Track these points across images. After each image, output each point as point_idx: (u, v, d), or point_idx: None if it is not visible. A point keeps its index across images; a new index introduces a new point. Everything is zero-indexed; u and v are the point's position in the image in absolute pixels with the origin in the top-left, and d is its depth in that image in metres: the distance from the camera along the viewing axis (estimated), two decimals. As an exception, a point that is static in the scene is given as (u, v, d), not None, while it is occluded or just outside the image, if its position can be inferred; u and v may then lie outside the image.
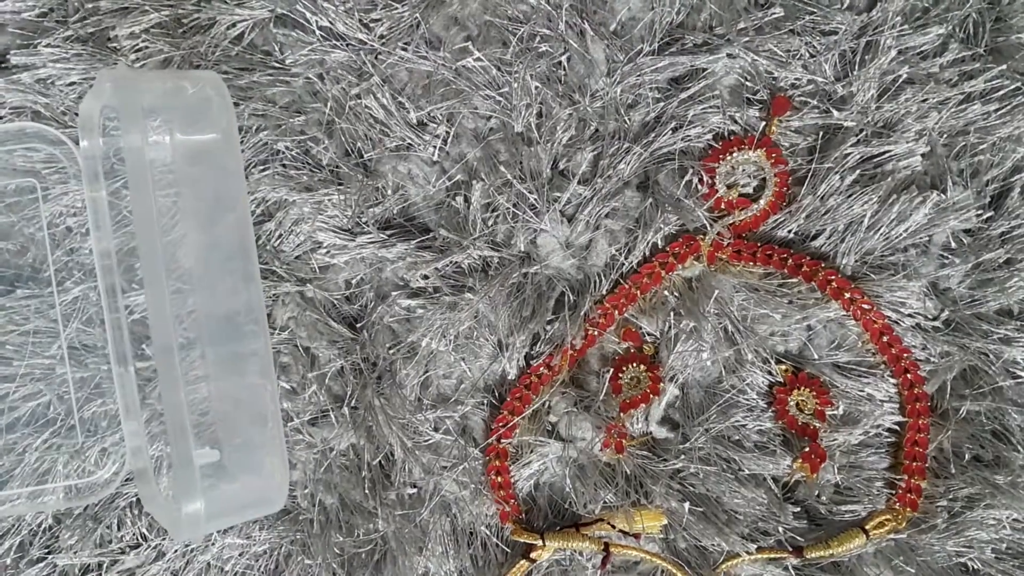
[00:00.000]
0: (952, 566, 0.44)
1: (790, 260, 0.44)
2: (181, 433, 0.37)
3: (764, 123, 0.44)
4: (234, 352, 0.44)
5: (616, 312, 0.45)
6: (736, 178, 0.44)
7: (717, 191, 0.44)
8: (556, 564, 0.46)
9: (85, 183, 0.43)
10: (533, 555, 0.45)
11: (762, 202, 0.44)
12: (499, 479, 0.45)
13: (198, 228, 0.44)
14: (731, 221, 0.44)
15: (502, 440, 0.45)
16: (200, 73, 0.41)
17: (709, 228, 0.44)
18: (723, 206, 0.44)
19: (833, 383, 0.44)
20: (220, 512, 0.39)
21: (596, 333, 0.45)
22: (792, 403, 0.44)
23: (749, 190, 0.45)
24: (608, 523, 0.44)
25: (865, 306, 0.43)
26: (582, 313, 0.44)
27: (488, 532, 0.46)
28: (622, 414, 0.44)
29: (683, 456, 0.45)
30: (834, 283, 0.43)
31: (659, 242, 0.45)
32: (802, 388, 0.44)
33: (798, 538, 0.44)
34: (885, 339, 0.44)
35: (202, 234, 0.44)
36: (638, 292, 0.45)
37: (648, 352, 0.45)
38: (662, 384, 0.45)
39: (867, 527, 0.43)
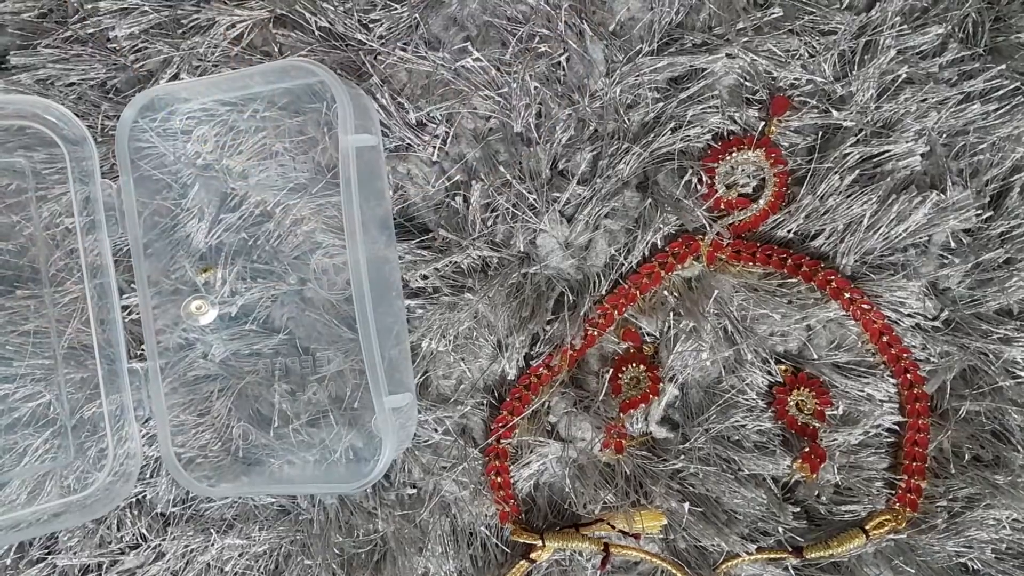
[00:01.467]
0: (952, 566, 0.44)
1: (789, 260, 0.44)
2: (377, 382, 0.39)
3: (763, 123, 0.44)
4: (386, 310, 0.44)
5: (615, 312, 0.45)
6: (735, 178, 0.44)
7: (716, 191, 0.44)
8: (556, 564, 0.46)
9: (97, 175, 0.43)
10: (533, 555, 0.45)
11: (761, 202, 0.44)
12: (499, 479, 0.45)
13: (365, 211, 0.45)
14: (730, 221, 0.44)
15: (502, 440, 0.45)
16: (350, 84, 0.42)
17: (708, 228, 0.44)
18: (722, 206, 0.44)
19: (833, 383, 0.44)
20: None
21: (595, 333, 0.45)
22: (792, 403, 0.44)
23: (748, 190, 0.45)
24: (608, 523, 0.44)
25: (865, 306, 0.43)
26: (581, 313, 0.44)
27: (488, 532, 0.46)
28: (622, 414, 0.44)
29: (683, 456, 0.45)
30: (834, 283, 0.43)
31: (658, 242, 0.45)
32: (802, 388, 0.44)
33: (798, 538, 0.44)
34: (885, 339, 0.44)
35: (368, 215, 0.45)
36: (637, 292, 0.44)
37: (648, 352, 0.45)
38: (662, 384, 0.45)
39: (867, 527, 0.43)
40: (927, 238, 0.43)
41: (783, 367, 0.44)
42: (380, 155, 0.44)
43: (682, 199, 0.44)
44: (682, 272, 0.45)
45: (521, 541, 0.45)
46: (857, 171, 0.43)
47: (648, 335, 0.45)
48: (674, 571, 0.44)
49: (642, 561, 0.45)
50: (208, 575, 0.47)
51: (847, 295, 0.43)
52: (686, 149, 0.44)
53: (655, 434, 0.45)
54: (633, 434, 0.45)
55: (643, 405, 0.44)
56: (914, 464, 0.44)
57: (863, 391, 0.44)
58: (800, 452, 0.44)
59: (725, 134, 0.44)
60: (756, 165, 0.44)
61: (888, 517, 0.44)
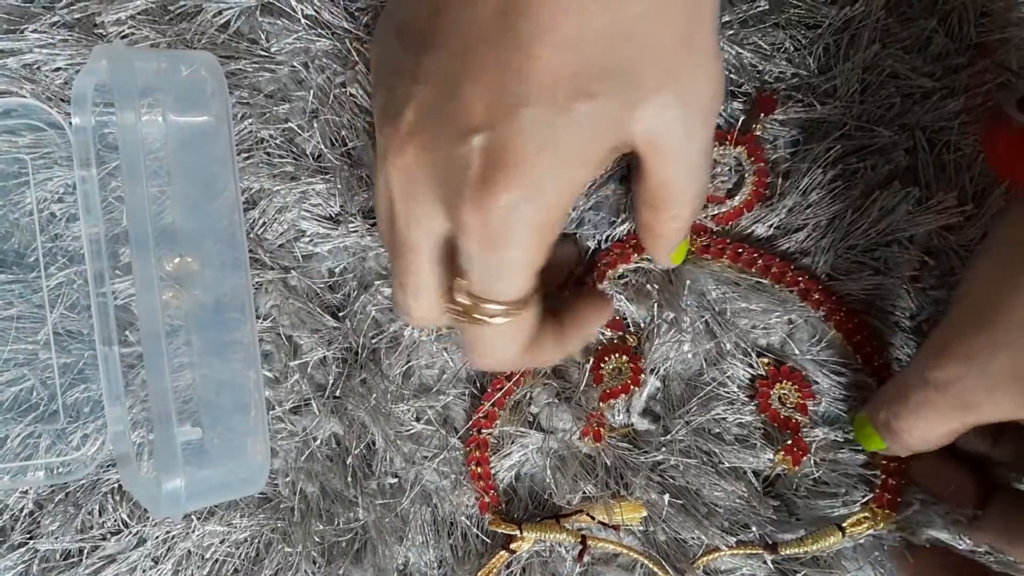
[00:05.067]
0: (931, 562, 0.44)
1: (760, 260, 0.44)
2: (164, 412, 0.37)
3: (747, 120, 0.44)
4: (219, 340, 0.44)
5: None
6: (716, 171, 0.44)
7: None
8: (536, 555, 0.46)
9: (76, 163, 0.44)
10: (513, 546, 0.45)
11: (736, 199, 0.44)
12: (479, 469, 0.45)
13: (187, 213, 0.44)
14: (712, 212, 0.44)
15: (483, 430, 0.45)
16: (196, 54, 0.41)
17: None
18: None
19: (814, 378, 0.44)
20: (200, 492, 0.40)
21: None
22: (775, 396, 0.44)
23: (730, 184, 0.45)
24: (588, 514, 0.44)
25: (832, 306, 0.43)
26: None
27: (468, 522, 0.46)
28: (602, 404, 0.44)
29: (663, 448, 0.45)
30: (802, 284, 0.43)
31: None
32: (784, 381, 0.44)
33: (777, 532, 0.44)
34: (857, 338, 0.43)
35: (191, 219, 0.44)
36: (607, 268, 0.44)
37: (631, 343, 0.45)
38: (643, 375, 0.44)
39: (844, 524, 0.43)
40: (909, 235, 0.43)
41: (765, 360, 0.44)
42: (224, 138, 0.41)
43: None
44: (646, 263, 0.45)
45: (500, 531, 0.45)
46: (840, 165, 0.43)
47: (631, 325, 0.45)
48: (651, 566, 0.44)
49: (621, 554, 0.45)
50: (189, 561, 0.47)
51: (816, 296, 0.43)
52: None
53: (636, 425, 0.45)
54: (614, 424, 0.45)
55: (624, 395, 0.44)
56: (891, 465, 0.43)
57: (844, 387, 0.44)
58: (782, 445, 0.44)
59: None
60: (737, 161, 0.44)
61: (867, 515, 0.44)
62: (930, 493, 0.43)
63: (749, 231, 0.44)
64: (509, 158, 0.29)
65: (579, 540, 0.44)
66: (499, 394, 0.45)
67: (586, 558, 0.44)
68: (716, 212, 0.44)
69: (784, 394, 0.44)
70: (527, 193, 0.30)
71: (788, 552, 0.43)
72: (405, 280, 0.35)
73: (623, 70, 0.30)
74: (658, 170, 0.33)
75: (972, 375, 0.35)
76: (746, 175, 0.44)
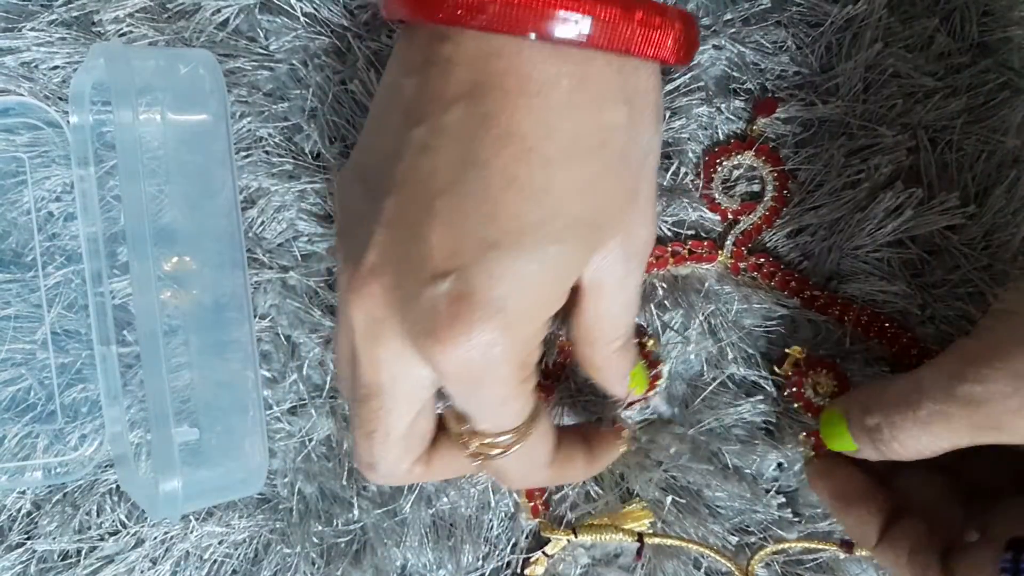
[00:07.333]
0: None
1: (779, 274, 0.44)
2: (162, 412, 0.37)
3: (749, 124, 0.44)
4: (217, 339, 0.44)
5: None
6: (735, 185, 0.44)
7: (720, 204, 0.44)
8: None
9: (74, 162, 0.43)
10: (528, 572, 0.44)
11: (767, 199, 0.43)
12: None
13: (185, 212, 0.44)
14: (743, 227, 0.44)
15: None
16: (194, 52, 0.41)
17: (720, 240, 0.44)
18: (729, 216, 0.44)
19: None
20: (198, 493, 0.40)
21: None
22: (808, 385, 0.43)
23: (755, 188, 0.44)
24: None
25: (837, 309, 0.43)
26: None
27: (466, 526, 0.46)
28: (624, 412, 0.44)
29: (672, 449, 0.44)
30: (807, 294, 0.43)
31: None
32: (819, 370, 0.43)
33: (780, 531, 0.44)
34: (886, 326, 0.43)
35: (189, 219, 0.44)
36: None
37: (649, 347, 0.45)
38: (660, 380, 0.44)
39: None
40: (912, 235, 0.43)
41: (796, 348, 0.44)
42: (222, 137, 0.41)
43: (672, 187, 0.44)
44: (674, 270, 0.45)
45: (552, 536, 0.44)
46: (842, 164, 0.43)
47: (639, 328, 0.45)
48: (715, 555, 0.43)
49: (622, 554, 0.45)
50: (187, 562, 0.46)
51: (821, 302, 0.43)
52: (672, 140, 0.44)
53: (663, 414, 0.45)
54: (633, 418, 0.45)
55: (643, 401, 0.44)
56: None
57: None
58: (811, 430, 0.43)
59: (712, 140, 0.44)
60: (751, 167, 0.44)
61: None
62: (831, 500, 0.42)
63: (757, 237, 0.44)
64: (479, 299, 0.30)
65: (636, 539, 0.43)
66: None
67: (643, 557, 0.44)
68: (753, 220, 0.44)
69: (818, 383, 0.43)
70: (499, 331, 0.30)
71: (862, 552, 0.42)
72: (371, 428, 0.34)
73: (586, 220, 0.32)
74: (594, 306, 0.35)
75: (1018, 395, 0.33)
76: (763, 176, 0.43)
